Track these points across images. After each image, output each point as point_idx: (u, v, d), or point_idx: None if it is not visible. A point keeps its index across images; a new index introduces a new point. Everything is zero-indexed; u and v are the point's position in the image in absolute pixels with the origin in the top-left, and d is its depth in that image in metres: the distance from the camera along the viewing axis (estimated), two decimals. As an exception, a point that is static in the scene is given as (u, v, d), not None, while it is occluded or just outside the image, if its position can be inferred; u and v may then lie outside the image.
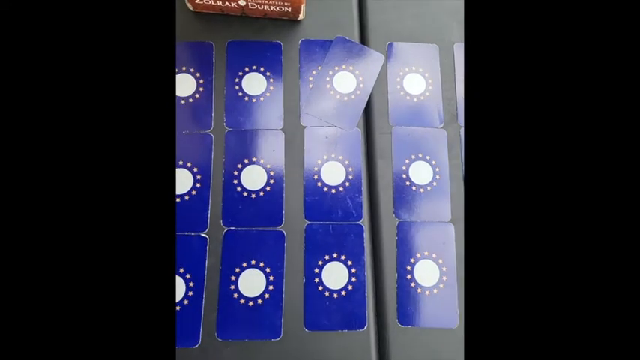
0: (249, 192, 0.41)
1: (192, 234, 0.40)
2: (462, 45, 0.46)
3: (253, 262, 0.39)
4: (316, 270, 0.40)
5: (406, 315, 0.39)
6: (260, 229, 0.40)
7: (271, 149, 0.42)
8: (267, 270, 0.39)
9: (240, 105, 0.43)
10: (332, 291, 0.39)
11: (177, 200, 0.40)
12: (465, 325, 0.26)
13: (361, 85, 0.45)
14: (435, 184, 0.42)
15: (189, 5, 0.44)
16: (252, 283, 0.39)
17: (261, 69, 0.44)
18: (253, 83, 0.44)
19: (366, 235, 0.41)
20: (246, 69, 0.44)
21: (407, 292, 0.40)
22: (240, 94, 0.44)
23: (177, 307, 0.38)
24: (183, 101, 0.43)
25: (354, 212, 0.41)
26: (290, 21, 0.46)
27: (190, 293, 0.38)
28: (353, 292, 0.39)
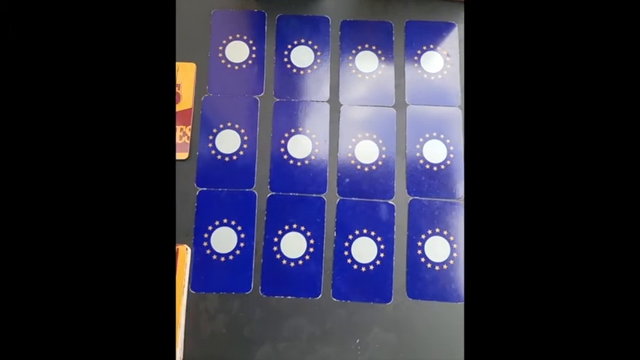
0: (432, 165, 0.44)
1: (381, 201, 0.43)
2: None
3: (437, 230, 0.42)
4: (497, 241, 0.42)
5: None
6: (443, 200, 0.43)
7: (451, 125, 0.44)
8: (451, 238, 0.42)
9: (420, 82, 0.45)
10: (513, 261, 0.41)
11: (366, 169, 0.43)
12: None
13: (535, 66, 0.46)
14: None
15: (371, -15, 0.47)
16: (437, 249, 0.42)
17: (438, 48, 0.46)
18: (431, 61, 0.46)
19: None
20: (424, 47, 0.46)
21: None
22: (419, 71, 0.46)
23: (371, 267, 0.41)
24: (367, 77, 0.46)
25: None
26: (463, 2, 0.47)
27: (382, 255, 0.41)
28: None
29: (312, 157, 0.43)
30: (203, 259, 0.41)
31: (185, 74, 0.45)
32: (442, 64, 0.46)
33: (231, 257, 0.41)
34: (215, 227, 0.42)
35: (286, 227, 0.42)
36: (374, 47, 0.46)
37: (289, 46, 0.46)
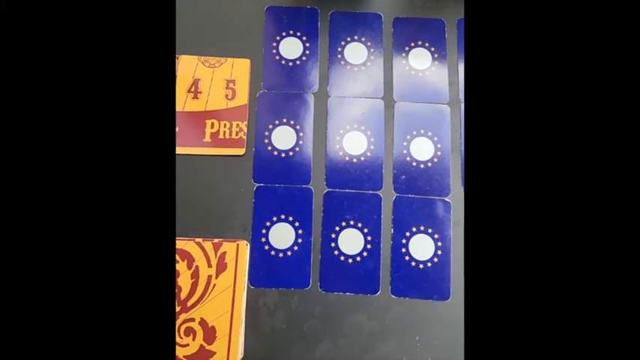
0: (487, 162, 0.43)
1: (437, 198, 0.43)
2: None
3: (494, 227, 0.42)
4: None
5: None
6: (498, 197, 0.43)
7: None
8: (508, 236, 0.42)
9: (473, 79, 0.45)
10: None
11: (422, 167, 0.43)
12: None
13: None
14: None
15: (423, -18, 0.47)
16: (494, 247, 0.41)
17: (491, 46, 0.46)
18: (484, 59, 0.46)
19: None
20: (477, 45, 0.46)
21: None
22: (472, 69, 0.46)
23: (429, 264, 0.41)
24: (420, 74, 0.46)
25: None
26: None
27: (439, 252, 0.41)
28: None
29: (368, 154, 0.43)
30: (261, 254, 0.41)
31: (240, 70, 0.45)
32: (495, 61, 0.46)
33: (289, 253, 0.41)
34: (273, 223, 0.42)
35: (343, 224, 0.42)
36: (427, 44, 0.46)
37: (342, 43, 0.46)
